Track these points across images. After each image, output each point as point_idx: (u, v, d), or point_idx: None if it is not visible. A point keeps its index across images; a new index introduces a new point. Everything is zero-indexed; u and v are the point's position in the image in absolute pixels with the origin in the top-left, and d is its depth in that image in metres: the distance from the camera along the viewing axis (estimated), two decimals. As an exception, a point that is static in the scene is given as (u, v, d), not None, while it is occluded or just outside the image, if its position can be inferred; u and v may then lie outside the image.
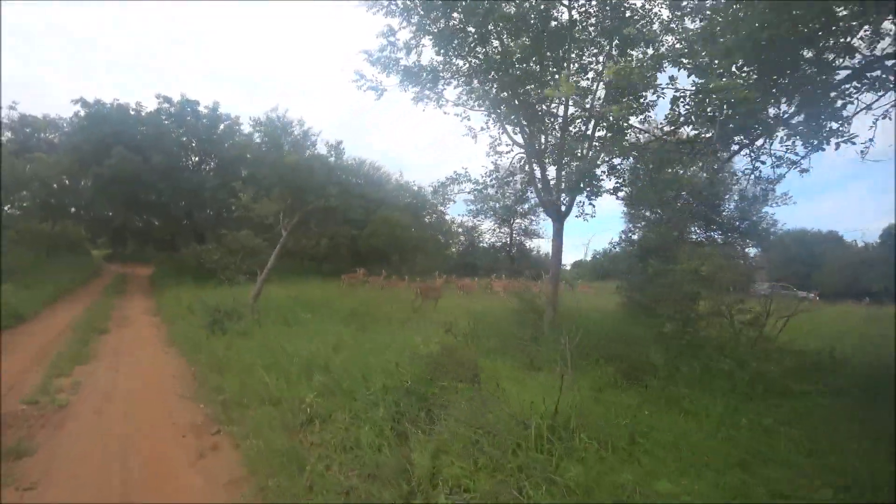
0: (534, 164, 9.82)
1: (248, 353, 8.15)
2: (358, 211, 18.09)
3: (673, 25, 7.70)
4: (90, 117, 21.64)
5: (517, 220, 38.04)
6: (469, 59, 9.36)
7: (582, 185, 9.02)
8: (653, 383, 6.55)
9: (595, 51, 9.20)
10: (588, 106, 9.26)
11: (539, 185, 9.83)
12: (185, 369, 8.23)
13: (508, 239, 38.10)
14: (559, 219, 9.55)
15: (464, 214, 39.02)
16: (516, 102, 9.49)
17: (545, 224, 38.65)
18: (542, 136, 9.86)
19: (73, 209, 30.84)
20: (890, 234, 42.06)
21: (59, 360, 8.02)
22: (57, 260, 26.68)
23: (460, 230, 38.23)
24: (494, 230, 38.93)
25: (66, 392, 6.51)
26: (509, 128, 10.00)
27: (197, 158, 25.01)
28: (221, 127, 24.90)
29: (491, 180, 10.75)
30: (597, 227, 77.50)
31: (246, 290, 15.21)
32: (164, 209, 24.55)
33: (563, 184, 9.46)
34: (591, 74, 9.36)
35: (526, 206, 11.11)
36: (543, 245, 47.62)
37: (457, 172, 10.39)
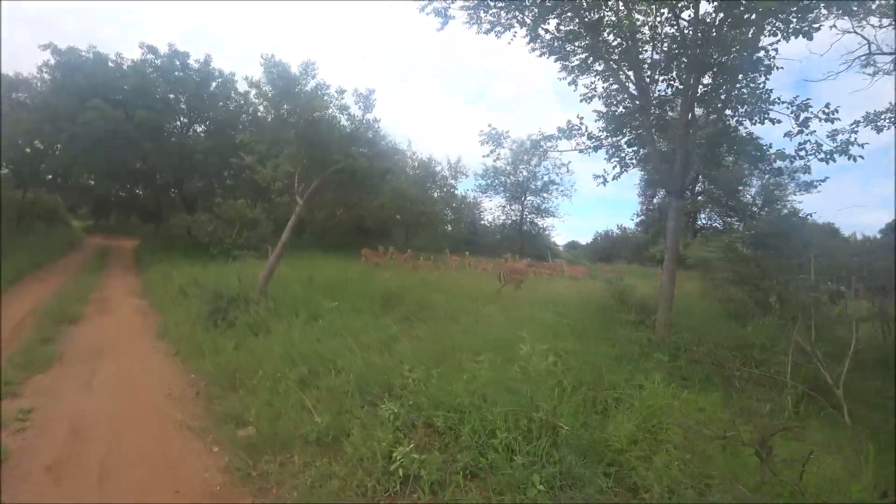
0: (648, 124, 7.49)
1: (269, 357, 6.00)
2: (385, 177, 15.75)
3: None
4: (62, 67, 18.70)
5: (529, 197, 35.97)
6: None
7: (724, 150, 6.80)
8: (864, 417, 4.55)
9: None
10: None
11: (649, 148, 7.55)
12: (183, 380, 6.04)
13: (520, 216, 35.91)
14: (679, 193, 7.33)
15: (472, 190, 36.78)
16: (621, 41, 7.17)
17: (557, 202, 36.63)
18: (658, 86, 7.56)
19: (49, 176, 27.94)
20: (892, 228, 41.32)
21: (9, 367, 5.76)
22: (30, 232, 24.09)
23: (462, 206, 35.85)
24: (504, 207, 36.80)
25: (10, 430, 4.29)
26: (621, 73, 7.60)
27: (186, 119, 22.12)
28: (214, 85, 22.00)
29: (606, 134, 8.29)
30: (587, 210, 75.41)
31: (247, 269, 13.00)
32: (150, 175, 21.81)
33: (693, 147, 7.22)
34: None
35: (622, 172, 8.35)
36: (557, 224, 45.66)
37: (570, 122, 7.90)
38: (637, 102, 7.49)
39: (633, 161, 8.75)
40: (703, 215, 38.25)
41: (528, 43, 8.17)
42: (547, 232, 36.77)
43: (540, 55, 8.25)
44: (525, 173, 34.93)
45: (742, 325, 7.44)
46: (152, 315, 9.84)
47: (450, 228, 35.05)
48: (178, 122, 21.93)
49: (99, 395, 5.27)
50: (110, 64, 19.92)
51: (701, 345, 6.49)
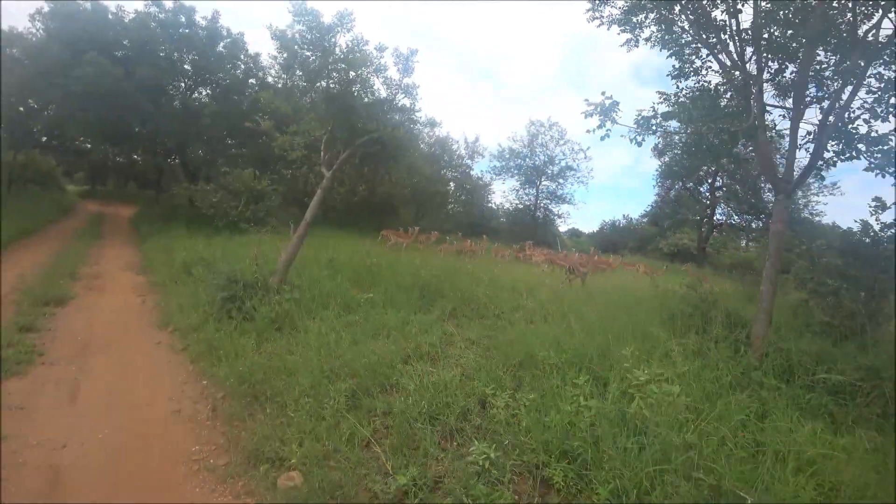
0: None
1: (303, 364, 4.80)
2: (416, 150, 14.39)
3: None
4: (56, 16, 17.04)
5: (545, 182, 34.56)
6: None
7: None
8: None
9: None
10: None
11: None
12: (194, 389, 4.83)
13: (534, 202, 34.55)
14: (788, 192, 6.05)
15: (486, 171, 35.30)
16: None
17: (573, 189, 35.30)
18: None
19: (44, 138, 26.27)
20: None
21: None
22: (22, 196, 22.75)
23: (476, 187, 34.25)
24: (518, 191, 35.39)
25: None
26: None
27: (190, 81, 20.47)
28: (221, 45, 20.32)
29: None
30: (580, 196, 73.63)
31: (260, 246, 11.83)
32: (150, 139, 20.23)
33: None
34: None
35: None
36: (572, 212, 44.26)
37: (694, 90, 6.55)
38: (738, 85, 6.19)
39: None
40: (718, 211, 37.07)
41: (589, 10, 7.13)
42: (563, 219, 35.46)
43: (599, 25, 7.19)
44: (542, 157, 33.49)
45: (858, 346, 6.24)
46: (152, 296, 8.60)
47: (453, 209, 33.48)
48: (182, 84, 20.34)
49: (88, 413, 4.04)
50: (110, 16, 18.29)
51: (815, 369, 5.37)
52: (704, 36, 6.49)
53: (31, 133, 24.73)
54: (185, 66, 19.78)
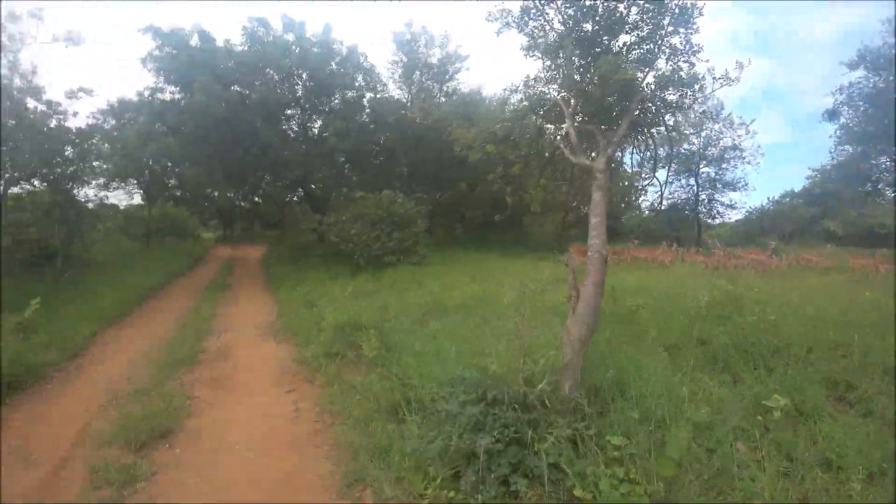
0: None
1: None
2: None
3: None
4: (169, 57, 15.28)
5: (704, 169, 28.34)
6: None
7: None
8: None
9: None
10: None
11: None
12: None
13: (695, 192, 28.50)
14: None
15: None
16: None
17: (742, 173, 28.54)
18: None
19: (178, 192, 26.22)
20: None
21: None
22: (161, 246, 22.81)
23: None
24: (671, 182, 29.51)
25: None
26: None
27: (307, 103, 18.06)
28: (334, 64, 17.58)
29: None
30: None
31: (404, 296, 8.51)
32: (273, 171, 17.76)
33: None
34: None
35: None
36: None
37: None
38: None
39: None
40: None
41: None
42: (737, 210, 28.81)
43: None
44: (697, 141, 27.23)
45: None
46: (306, 393, 5.22)
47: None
48: (299, 108, 18.11)
49: None
50: (219, 44, 16.50)
51: None
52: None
53: (165, 186, 24.70)
54: (298, 86, 17.47)
